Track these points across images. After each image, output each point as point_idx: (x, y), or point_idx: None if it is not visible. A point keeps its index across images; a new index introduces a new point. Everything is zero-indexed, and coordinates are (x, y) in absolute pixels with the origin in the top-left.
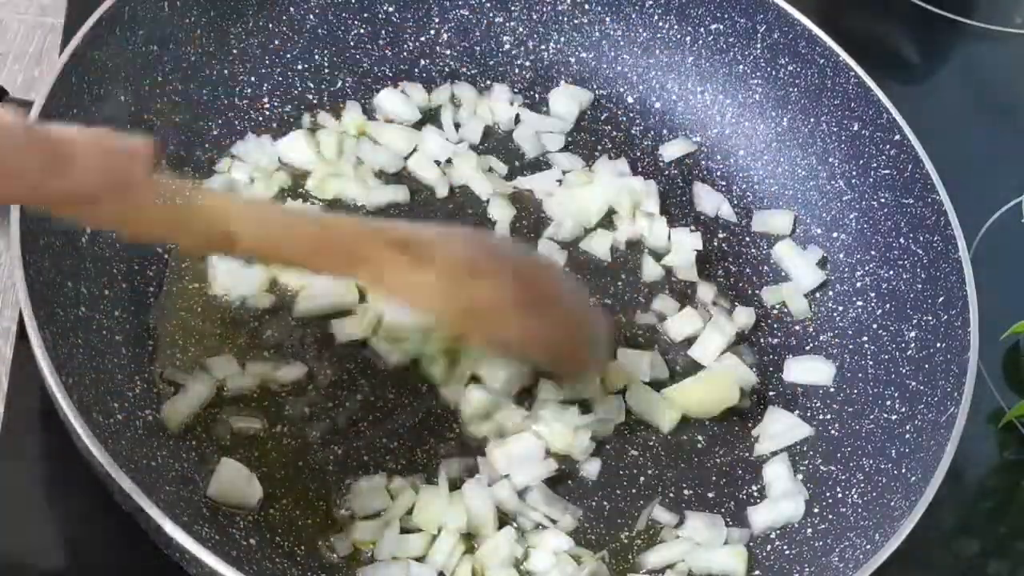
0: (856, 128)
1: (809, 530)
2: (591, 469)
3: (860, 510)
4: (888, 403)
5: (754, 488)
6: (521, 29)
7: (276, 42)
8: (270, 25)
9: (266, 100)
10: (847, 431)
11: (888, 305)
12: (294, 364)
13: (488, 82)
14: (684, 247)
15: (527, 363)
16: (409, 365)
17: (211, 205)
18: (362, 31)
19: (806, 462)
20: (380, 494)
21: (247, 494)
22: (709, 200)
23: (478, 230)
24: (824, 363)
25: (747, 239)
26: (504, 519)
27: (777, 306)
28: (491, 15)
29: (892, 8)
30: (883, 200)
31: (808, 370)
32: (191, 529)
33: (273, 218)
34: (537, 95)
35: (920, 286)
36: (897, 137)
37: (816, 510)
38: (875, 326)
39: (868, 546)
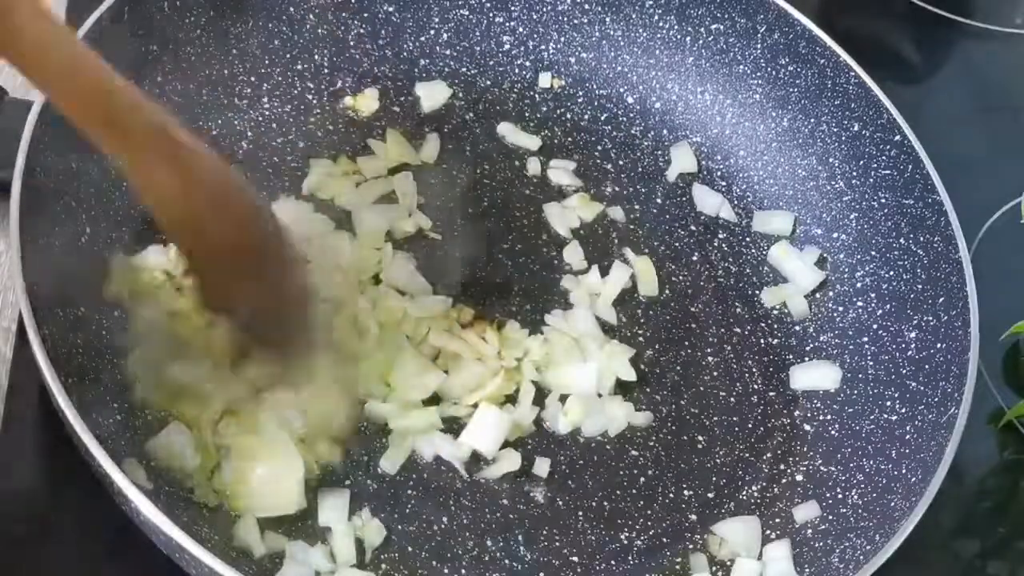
0: (856, 128)
1: (809, 530)
2: (591, 469)
3: (860, 511)
4: (888, 403)
5: (754, 488)
6: (521, 29)
7: (276, 42)
8: (270, 25)
9: (266, 100)
10: (847, 431)
11: (888, 305)
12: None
13: (488, 82)
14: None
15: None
16: None
17: None
18: (362, 31)
19: (806, 463)
20: None
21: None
22: (709, 200)
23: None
24: (830, 368)
25: (747, 239)
26: None
27: (777, 307)
28: (491, 15)
29: (892, 8)
30: (883, 200)
31: (815, 377)
32: (191, 529)
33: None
34: (537, 95)
35: (920, 286)
36: (897, 137)
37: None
38: (875, 326)
39: (868, 547)
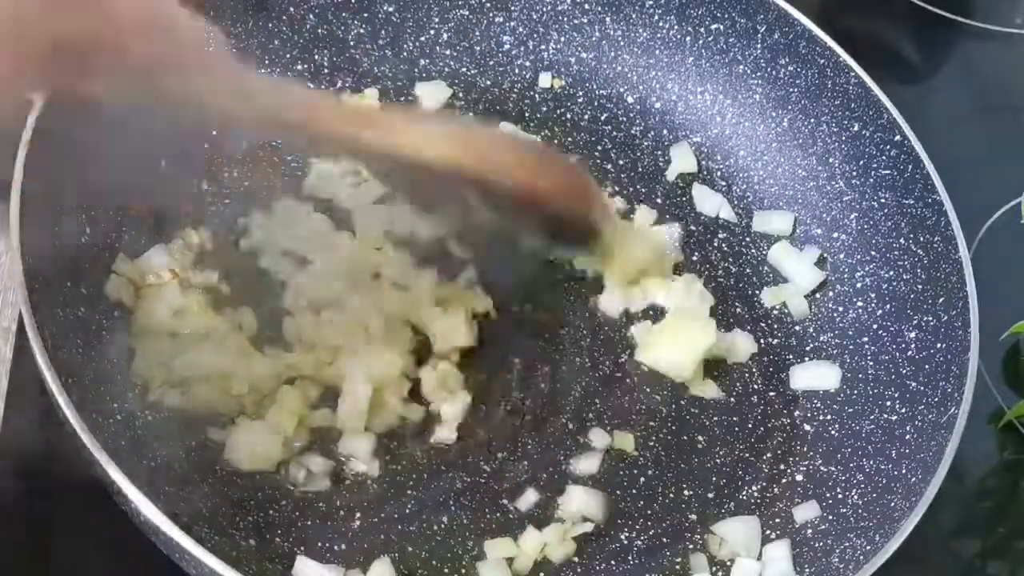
0: (856, 128)
1: (809, 530)
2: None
3: (860, 511)
4: (888, 404)
5: (754, 488)
6: (521, 29)
7: (276, 42)
8: (270, 25)
9: None
10: (847, 431)
11: (888, 306)
12: None
13: (488, 82)
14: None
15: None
16: None
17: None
18: (362, 31)
19: (806, 463)
20: None
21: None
22: (709, 200)
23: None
24: (830, 368)
25: (747, 239)
26: None
27: (777, 307)
28: (491, 15)
29: (892, 8)
30: (883, 200)
31: (814, 376)
32: (191, 530)
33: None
34: (537, 95)
35: (920, 286)
36: (897, 137)
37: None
38: (875, 327)
39: (868, 547)
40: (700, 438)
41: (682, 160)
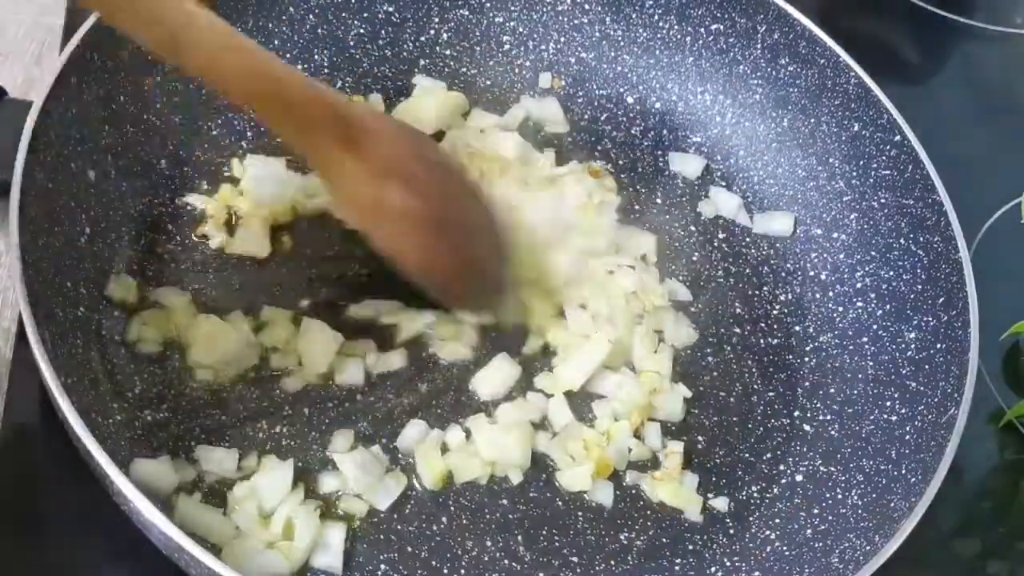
0: (856, 129)
1: (809, 531)
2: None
3: (860, 511)
4: (888, 404)
5: (754, 489)
6: (521, 29)
7: (276, 42)
8: (270, 25)
9: None
10: (847, 432)
11: (888, 306)
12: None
13: (488, 82)
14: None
15: (423, 285)
16: None
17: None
18: (362, 31)
19: (806, 463)
20: None
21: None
22: (709, 201)
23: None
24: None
25: (747, 239)
26: None
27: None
28: (491, 15)
29: (892, 8)
30: (883, 201)
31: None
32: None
33: (232, 47)
34: (537, 95)
35: (920, 287)
36: (897, 138)
37: (816, 511)
38: (875, 327)
39: (868, 547)
40: (700, 438)
41: (682, 163)
